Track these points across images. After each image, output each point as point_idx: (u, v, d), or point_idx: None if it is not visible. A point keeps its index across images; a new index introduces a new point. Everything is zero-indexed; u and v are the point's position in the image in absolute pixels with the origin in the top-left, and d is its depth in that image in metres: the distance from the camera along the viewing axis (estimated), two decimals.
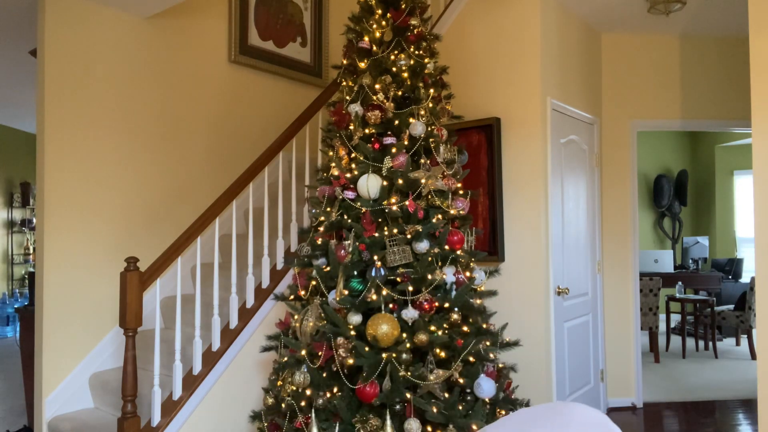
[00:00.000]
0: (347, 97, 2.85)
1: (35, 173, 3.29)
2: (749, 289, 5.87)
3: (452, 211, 2.68)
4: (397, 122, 2.75)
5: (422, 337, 2.41)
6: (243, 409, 3.10)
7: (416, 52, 2.84)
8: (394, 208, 2.56)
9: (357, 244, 2.58)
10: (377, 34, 2.84)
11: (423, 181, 2.62)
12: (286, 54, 4.55)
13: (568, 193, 3.93)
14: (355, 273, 2.58)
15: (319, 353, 2.47)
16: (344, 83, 2.92)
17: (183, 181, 3.86)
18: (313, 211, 2.84)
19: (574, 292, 3.95)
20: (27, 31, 4.09)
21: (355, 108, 2.76)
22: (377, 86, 2.76)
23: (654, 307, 5.72)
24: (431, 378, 2.37)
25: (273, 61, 4.44)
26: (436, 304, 2.51)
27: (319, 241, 2.75)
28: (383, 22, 2.85)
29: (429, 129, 2.76)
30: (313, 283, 2.68)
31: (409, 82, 2.80)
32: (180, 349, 2.85)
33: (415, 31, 2.86)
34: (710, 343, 6.19)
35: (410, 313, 2.44)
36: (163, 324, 3.62)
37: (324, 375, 2.50)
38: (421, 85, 2.83)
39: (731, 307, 6.33)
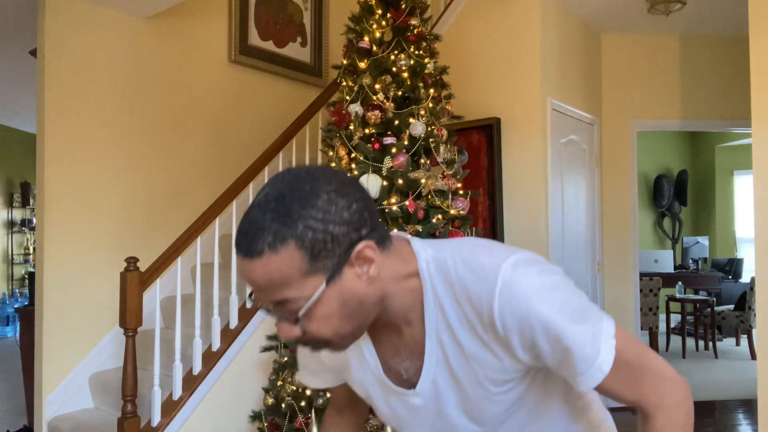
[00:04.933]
0: (347, 97, 2.85)
1: (35, 173, 3.29)
2: (749, 289, 5.86)
3: (452, 211, 2.68)
4: (397, 122, 2.75)
5: None
6: (243, 409, 3.09)
7: (416, 52, 2.84)
8: (394, 208, 2.57)
9: None
10: (377, 34, 2.84)
11: (423, 181, 2.62)
12: (286, 54, 4.55)
13: (568, 193, 3.93)
14: None
15: None
16: (344, 83, 2.92)
17: (183, 181, 3.86)
18: None
19: None
20: (27, 31, 4.09)
21: (355, 108, 2.76)
22: (377, 86, 2.76)
23: (654, 307, 5.72)
24: None
25: (273, 61, 4.44)
26: None
27: None
28: (383, 22, 2.85)
29: (429, 129, 2.76)
30: None
31: (409, 82, 2.80)
32: (180, 349, 2.85)
33: (415, 31, 2.86)
34: (710, 343, 6.19)
35: None
36: (163, 324, 3.61)
37: None
38: (421, 85, 2.83)
39: (731, 307, 6.32)
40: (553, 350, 0.78)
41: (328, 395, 2.46)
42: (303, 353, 1.04)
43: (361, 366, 0.93)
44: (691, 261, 7.40)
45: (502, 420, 0.89)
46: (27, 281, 7.72)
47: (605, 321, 0.81)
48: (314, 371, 1.04)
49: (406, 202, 2.58)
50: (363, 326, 0.81)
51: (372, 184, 2.62)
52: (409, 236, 0.88)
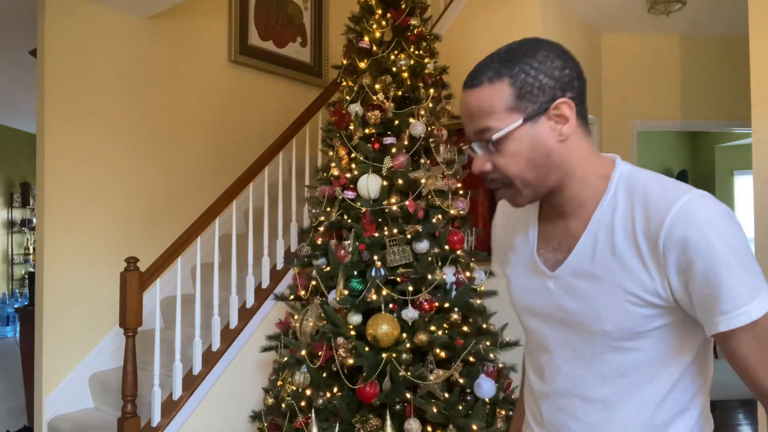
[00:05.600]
0: (347, 97, 2.85)
1: (35, 173, 3.29)
2: None
3: (452, 211, 2.67)
4: (397, 122, 2.75)
5: (422, 337, 2.41)
6: (243, 409, 3.09)
7: (416, 52, 2.84)
8: (394, 208, 2.56)
9: (357, 244, 2.58)
10: (377, 34, 2.84)
11: (423, 181, 2.62)
12: (286, 54, 4.55)
13: None
14: (355, 273, 2.58)
15: (319, 353, 2.47)
16: (344, 83, 2.92)
17: (183, 181, 3.86)
18: (313, 211, 2.84)
19: None
20: (27, 31, 4.09)
21: (355, 108, 2.75)
22: (377, 86, 2.76)
23: None
24: (431, 378, 2.37)
25: (273, 61, 4.44)
26: (436, 304, 2.51)
27: (319, 241, 2.75)
28: (383, 22, 2.85)
29: (429, 129, 2.76)
30: (313, 283, 2.68)
31: (409, 82, 2.80)
32: (180, 349, 2.85)
33: (415, 31, 2.86)
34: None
35: (410, 313, 2.44)
36: (163, 324, 3.61)
37: (324, 375, 2.50)
38: (421, 85, 2.82)
39: None
40: (706, 279, 0.78)
41: (328, 395, 2.46)
42: (493, 242, 1.17)
43: (522, 244, 1.02)
44: None
45: (612, 347, 0.88)
46: (27, 281, 7.72)
47: None
48: (492, 250, 1.17)
49: (406, 202, 2.58)
50: (542, 184, 0.89)
51: (372, 184, 2.62)
52: (616, 156, 0.93)
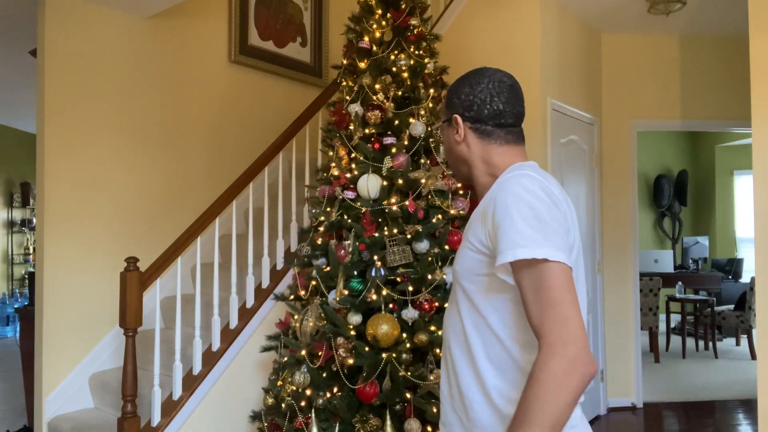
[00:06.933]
0: (347, 97, 2.85)
1: (35, 173, 3.29)
2: (749, 289, 5.86)
3: (452, 211, 2.68)
4: (397, 122, 2.75)
5: (422, 337, 2.41)
6: (243, 409, 3.10)
7: (416, 52, 2.84)
8: (394, 208, 2.56)
9: (357, 244, 2.58)
10: (377, 34, 2.84)
11: (423, 181, 2.62)
12: (286, 54, 4.55)
13: (568, 193, 3.92)
14: (355, 273, 2.58)
15: (319, 353, 2.47)
16: (344, 83, 2.92)
17: (183, 181, 3.86)
18: (313, 211, 2.84)
19: None
20: (27, 31, 4.09)
21: (355, 108, 2.76)
22: (377, 86, 2.76)
23: (654, 307, 5.72)
24: (431, 378, 2.37)
25: (273, 61, 4.44)
26: (436, 304, 2.51)
27: (319, 241, 2.75)
28: (383, 22, 2.85)
29: (429, 129, 2.76)
30: (313, 283, 2.69)
31: (409, 82, 2.80)
32: (180, 349, 2.85)
33: (415, 31, 2.86)
34: (710, 343, 6.19)
35: (410, 313, 2.44)
36: (163, 324, 3.61)
37: (324, 375, 2.50)
38: (421, 85, 2.83)
39: (731, 307, 6.32)
40: (497, 226, 1.04)
41: (328, 395, 2.46)
42: None
43: None
44: (691, 261, 7.40)
45: (461, 287, 1.15)
46: (27, 281, 7.72)
47: (554, 252, 0.98)
48: None
49: (406, 202, 2.58)
50: (458, 169, 1.29)
51: (372, 184, 2.62)
52: (524, 166, 1.16)
